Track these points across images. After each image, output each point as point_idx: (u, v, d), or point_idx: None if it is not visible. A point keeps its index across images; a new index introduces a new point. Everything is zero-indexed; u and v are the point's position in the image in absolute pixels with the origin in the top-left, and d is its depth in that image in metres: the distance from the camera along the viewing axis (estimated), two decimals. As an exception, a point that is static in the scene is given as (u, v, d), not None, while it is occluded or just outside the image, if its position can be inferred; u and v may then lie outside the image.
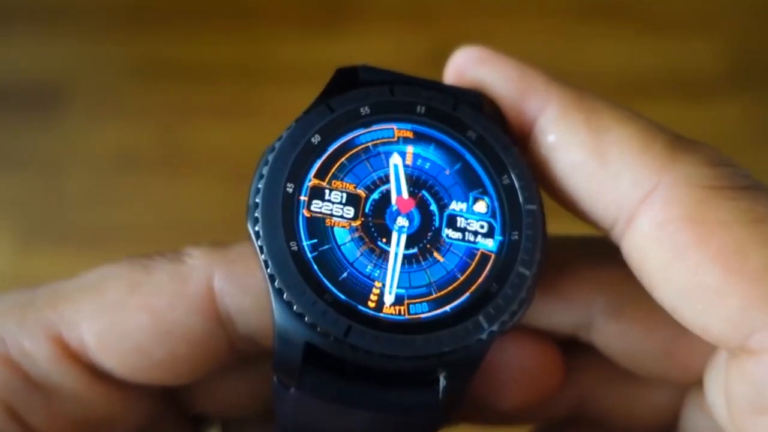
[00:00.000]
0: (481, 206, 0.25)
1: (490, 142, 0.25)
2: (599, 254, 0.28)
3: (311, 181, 0.25)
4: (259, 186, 0.24)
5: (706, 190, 0.23)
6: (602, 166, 0.24)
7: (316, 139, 0.25)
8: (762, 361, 0.23)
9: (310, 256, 0.24)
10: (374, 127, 0.25)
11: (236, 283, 0.26)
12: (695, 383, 0.29)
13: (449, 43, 1.07)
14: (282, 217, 0.24)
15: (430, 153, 0.25)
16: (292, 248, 0.24)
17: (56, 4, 0.95)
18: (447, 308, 0.24)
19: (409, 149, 0.25)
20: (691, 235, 0.23)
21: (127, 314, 0.26)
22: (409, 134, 0.25)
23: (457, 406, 0.25)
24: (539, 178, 0.26)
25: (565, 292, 0.28)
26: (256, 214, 0.24)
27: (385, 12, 0.93)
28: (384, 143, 0.25)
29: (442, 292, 0.25)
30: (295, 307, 0.23)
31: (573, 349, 0.30)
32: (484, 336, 0.24)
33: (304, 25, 0.93)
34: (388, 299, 0.24)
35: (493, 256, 0.25)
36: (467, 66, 0.28)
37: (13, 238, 0.88)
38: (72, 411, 0.27)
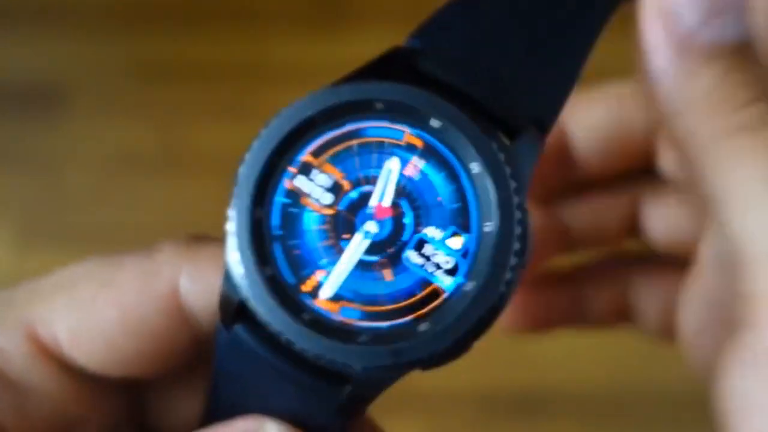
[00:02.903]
0: (456, 242, 0.24)
1: (495, 184, 0.24)
2: None
3: (305, 156, 0.24)
4: (252, 144, 0.25)
5: None
6: None
7: (320, 117, 0.24)
8: None
9: (273, 227, 0.24)
10: (385, 124, 0.25)
11: (202, 282, 0.27)
12: None
13: (449, 43, 1.06)
14: (257, 182, 0.24)
15: (430, 169, 0.25)
16: (257, 215, 0.24)
17: (56, 4, 0.95)
18: (374, 324, 0.24)
19: (415, 160, 0.25)
20: None
21: (97, 310, 0.27)
22: (419, 143, 0.25)
23: (353, 414, 0.25)
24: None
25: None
26: (237, 177, 0.24)
27: (385, 12, 0.93)
28: (389, 143, 0.25)
29: (377, 308, 0.24)
30: (239, 269, 0.23)
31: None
32: (387, 365, 0.23)
33: (304, 25, 0.93)
34: (325, 293, 0.24)
35: (443, 295, 0.24)
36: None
37: (12, 237, 0.88)
38: (42, 410, 0.27)
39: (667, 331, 0.35)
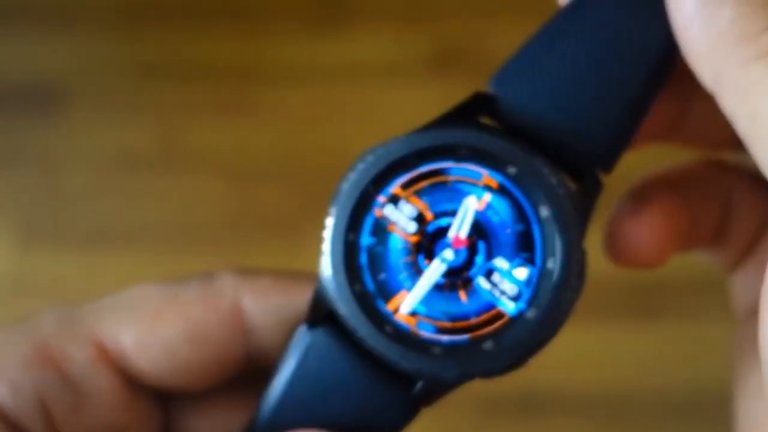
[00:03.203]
0: (521, 273, 0.27)
1: (560, 227, 0.27)
2: None
3: (395, 188, 0.28)
4: (349, 176, 0.27)
5: None
6: None
7: (412, 157, 0.27)
8: None
9: (363, 248, 0.27)
10: (467, 165, 0.28)
11: (263, 302, 0.30)
12: None
13: (449, 43, 1.07)
14: (352, 210, 0.27)
15: (504, 208, 0.28)
16: (349, 238, 0.27)
17: (56, 4, 0.95)
18: (444, 338, 0.27)
19: (486, 197, 0.28)
20: None
21: (163, 322, 0.29)
22: (495, 185, 0.28)
23: (419, 407, 0.28)
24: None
25: None
26: (334, 203, 0.28)
27: (385, 12, 0.93)
28: (468, 183, 0.28)
29: (449, 325, 0.27)
30: (331, 284, 0.27)
31: None
32: (453, 377, 0.27)
33: (304, 25, 0.93)
34: (405, 308, 0.27)
35: (507, 318, 0.27)
36: None
37: (13, 237, 0.88)
38: (96, 413, 0.29)
39: (742, 264, 0.34)
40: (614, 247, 0.31)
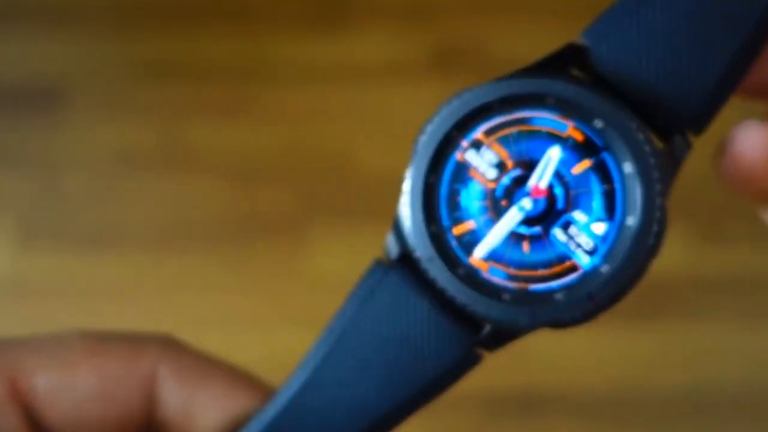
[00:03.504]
0: (599, 228, 0.27)
1: (643, 185, 0.27)
2: None
3: (478, 134, 0.27)
4: (434, 118, 0.27)
5: None
6: None
7: (497, 103, 0.27)
8: None
9: (443, 191, 0.28)
10: (553, 115, 0.27)
11: (174, 380, 0.30)
12: None
13: (449, 42, 1.07)
14: (434, 151, 0.27)
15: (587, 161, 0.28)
16: (430, 179, 0.27)
17: (56, 4, 0.95)
18: (514, 285, 0.27)
19: (572, 149, 0.28)
20: None
21: (80, 373, 0.29)
22: (580, 137, 0.27)
23: (492, 348, 0.28)
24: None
25: None
26: (416, 145, 0.28)
27: (385, 12, 0.93)
28: (553, 133, 0.27)
29: (521, 272, 0.27)
30: (408, 223, 0.27)
31: None
32: (524, 324, 0.27)
33: (304, 25, 0.93)
34: (479, 252, 0.27)
35: (580, 270, 0.27)
36: None
37: (12, 238, 0.88)
38: None
39: None
40: (731, 152, 0.28)
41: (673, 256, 0.81)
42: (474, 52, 0.90)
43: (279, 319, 0.84)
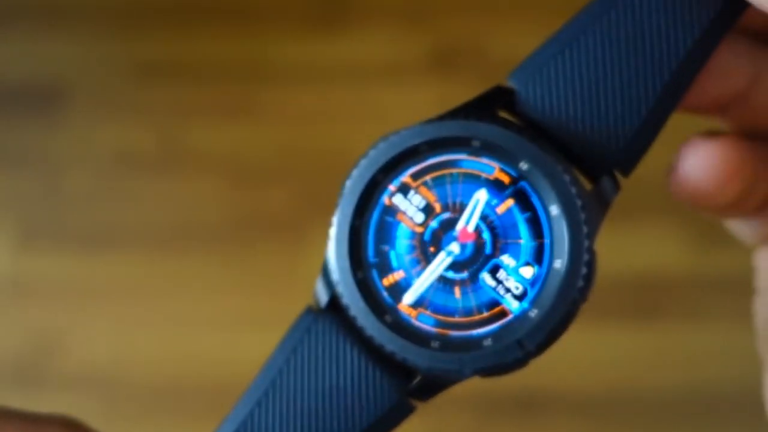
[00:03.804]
0: (527, 271, 0.27)
1: (570, 227, 0.27)
2: None
3: (406, 177, 0.27)
4: (360, 162, 0.27)
5: None
6: None
7: (424, 146, 0.27)
8: None
9: (370, 236, 0.27)
10: (479, 158, 0.27)
11: None
12: None
13: (449, 42, 1.07)
14: (360, 196, 0.27)
15: (513, 204, 0.27)
16: (356, 224, 0.27)
17: (56, 4, 0.95)
18: (443, 332, 0.27)
19: (498, 194, 0.27)
20: None
21: None
22: (506, 179, 0.27)
23: (424, 398, 0.28)
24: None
25: None
26: (343, 189, 0.27)
27: (385, 12, 0.93)
28: (480, 176, 0.27)
29: (449, 319, 0.27)
30: (335, 270, 0.27)
31: None
32: (452, 372, 0.27)
33: (304, 25, 0.93)
34: (407, 299, 0.27)
35: (510, 315, 0.27)
36: None
37: (12, 238, 0.88)
38: None
39: None
40: (678, 171, 0.29)
41: (673, 256, 0.81)
42: (473, 52, 0.90)
43: (279, 319, 0.84)
